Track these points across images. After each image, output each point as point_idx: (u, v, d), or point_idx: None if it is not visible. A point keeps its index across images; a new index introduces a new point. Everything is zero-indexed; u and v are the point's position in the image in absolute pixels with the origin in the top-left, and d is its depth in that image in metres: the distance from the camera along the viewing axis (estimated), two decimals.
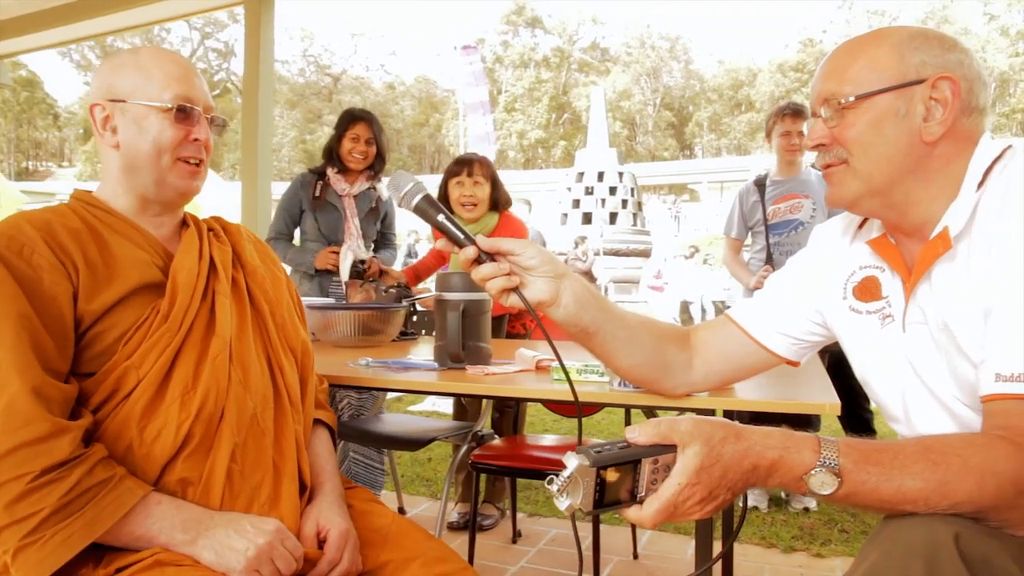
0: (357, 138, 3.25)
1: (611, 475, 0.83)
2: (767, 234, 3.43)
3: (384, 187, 3.39)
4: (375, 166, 3.35)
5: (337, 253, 3.22)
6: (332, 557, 1.19)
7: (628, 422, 2.78)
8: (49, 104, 50.43)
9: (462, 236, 1.10)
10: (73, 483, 1.01)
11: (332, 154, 3.31)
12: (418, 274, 3.32)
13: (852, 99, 1.01)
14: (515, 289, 1.11)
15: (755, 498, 3.23)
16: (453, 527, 2.99)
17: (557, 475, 0.82)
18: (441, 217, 1.10)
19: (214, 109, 1.31)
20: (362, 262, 3.16)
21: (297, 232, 3.44)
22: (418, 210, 1.12)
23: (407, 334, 2.44)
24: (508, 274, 1.10)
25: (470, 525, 2.41)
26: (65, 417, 1.06)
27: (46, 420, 1.02)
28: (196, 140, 1.26)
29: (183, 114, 1.24)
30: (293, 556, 1.13)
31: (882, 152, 1.01)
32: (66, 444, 1.02)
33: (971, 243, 0.96)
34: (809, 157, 3.47)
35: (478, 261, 1.10)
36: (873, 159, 1.02)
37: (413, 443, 2.45)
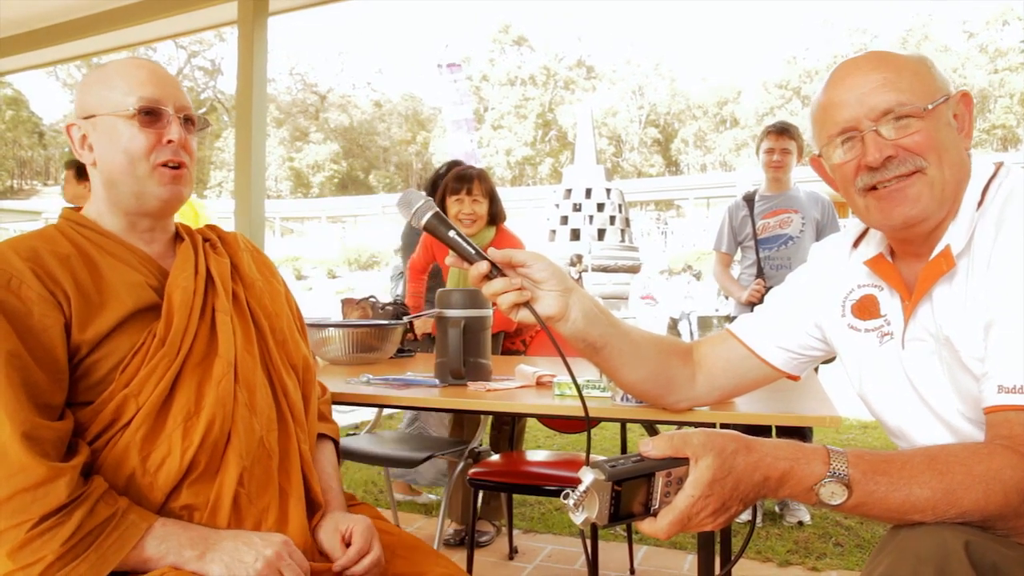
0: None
1: (626, 488, 0.84)
2: (757, 248, 3.47)
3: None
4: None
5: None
6: (361, 547, 1.19)
7: (624, 437, 2.79)
8: (34, 122, 50.06)
9: (473, 252, 1.10)
10: (75, 526, 0.99)
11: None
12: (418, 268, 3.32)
13: (929, 107, 1.01)
14: (526, 304, 1.11)
15: (750, 511, 3.23)
16: (449, 544, 2.98)
17: (573, 490, 0.83)
18: (452, 233, 1.11)
19: (190, 108, 1.24)
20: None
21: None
22: (429, 227, 1.12)
23: (404, 351, 2.45)
24: (519, 289, 1.10)
25: (467, 542, 2.41)
26: (60, 456, 1.03)
27: (40, 465, 0.99)
28: (170, 142, 1.19)
29: (149, 116, 1.18)
30: (300, 568, 1.12)
31: (953, 158, 1.02)
32: (62, 488, 1.00)
33: (971, 260, 0.98)
34: (797, 173, 3.51)
35: (488, 277, 1.10)
36: (947, 165, 1.02)
37: (410, 461, 2.44)
